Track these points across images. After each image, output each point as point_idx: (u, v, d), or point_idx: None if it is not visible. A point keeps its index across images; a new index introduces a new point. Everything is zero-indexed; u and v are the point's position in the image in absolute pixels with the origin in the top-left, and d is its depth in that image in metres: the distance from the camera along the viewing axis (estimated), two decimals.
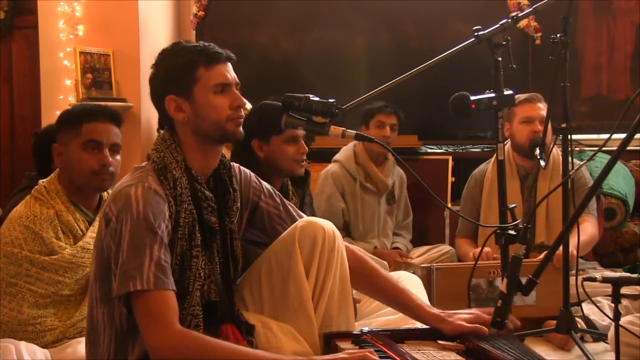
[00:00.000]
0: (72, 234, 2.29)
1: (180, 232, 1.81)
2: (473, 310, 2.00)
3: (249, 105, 3.40)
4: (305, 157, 2.68)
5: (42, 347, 2.17)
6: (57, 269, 2.22)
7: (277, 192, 2.13)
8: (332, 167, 3.86)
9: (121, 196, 1.77)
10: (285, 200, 2.13)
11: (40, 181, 2.36)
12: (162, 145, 1.88)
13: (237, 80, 1.93)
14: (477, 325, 1.92)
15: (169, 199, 1.80)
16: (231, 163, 2.02)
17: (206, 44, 1.91)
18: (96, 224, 2.31)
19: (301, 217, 2.11)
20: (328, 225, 1.98)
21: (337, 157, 3.91)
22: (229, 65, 1.91)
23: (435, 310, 2.04)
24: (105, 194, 2.40)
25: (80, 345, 2.11)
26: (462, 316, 1.96)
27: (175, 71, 1.87)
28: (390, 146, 3.72)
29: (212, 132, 1.88)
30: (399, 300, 2.09)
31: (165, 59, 1.90)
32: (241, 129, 1.92)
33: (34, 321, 2.19)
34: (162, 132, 1.94)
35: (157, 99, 1.90)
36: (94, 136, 2.28)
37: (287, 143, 2.64)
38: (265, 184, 2.11)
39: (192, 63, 1.86)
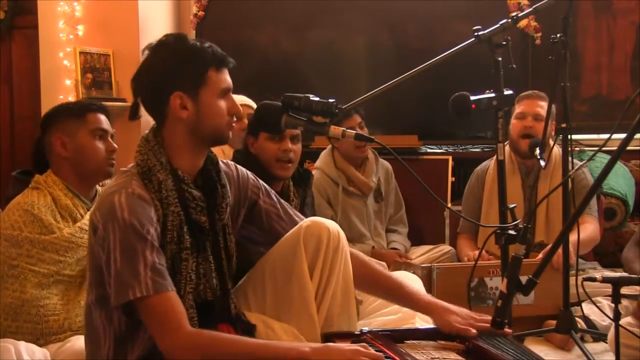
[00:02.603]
0: (72, 217, 2.33)
1: (169, 235, 1.79)
2: (469, 314, 1.99)
3: (243, 99, 3.39)
4: (289, 158, 2.61)
5: (46, 334, 2.19)
6: (57, 249, 2.25)
7: (273, 191, 2.13)
8: (314, 174, 3.80)
9: (105, 204, 1.75)
10: (281, 200, 2.13)
11: (37, 175, 2.39)
12: (146, 147, 1.85)
13: None
14: (466, 327, 1.91)
15: (155, 202, 1.78)
16: (231, 161, 2.02)
17: (210, 44, 1.86)
18: None
19: (298, 216, 2.11)
20: (333, 225, 1.98)
21: (317, 164, 3.84)
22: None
23: (431, 299, 2.06)
24: (98, 187, 2.46)
25: (79, 341, 2.12)
26: (456, 318, 1.96)
27: (185, 69, 1.83)
28: (364, 145, 3.68)
29: (210, 134, 1.86)
30: (392, 291, 2.10)
31: (174, 53, 1.84)
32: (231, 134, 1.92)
33: (37, 302, 2.21)
34: (145, 133, 1.90)
35: (158, 93, 1.84)
36: (100, 125, 2.41)
37: (270, 140, 2.61)
38: (263, 183, 2.11)
39: (204, 64, 1.83)
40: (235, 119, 1.91)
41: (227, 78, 1.88)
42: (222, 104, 1.86)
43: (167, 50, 1.86)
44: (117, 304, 1.71)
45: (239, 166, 2.08)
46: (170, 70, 1.83)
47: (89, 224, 1.82)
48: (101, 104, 2.53)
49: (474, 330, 1.90)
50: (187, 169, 1.87)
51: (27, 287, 2.22)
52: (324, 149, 3.98)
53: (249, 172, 2.09)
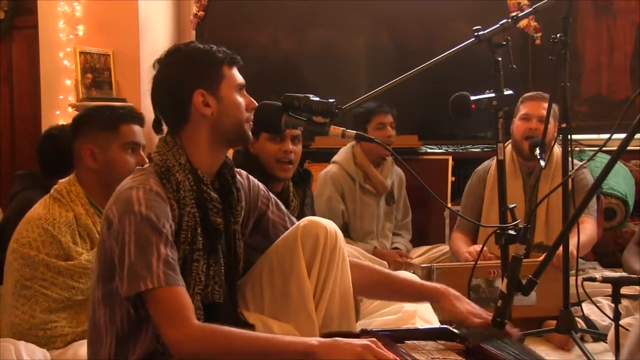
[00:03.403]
0: (90, 238, 2.29)
1: (183, 235, 1.80)
2: (475, 305, 2.00)
3: None
4: (290, 159, 2.62)
5: (52, 349, 2.17)
6: (72, 274, 2.22)
7: (279, 202, 2.14)
8: (331, 168, 3.84)
9: (122, 198, 1.76)
10: (288, 213, 2.14)
11: (60, 181, 2.36)
12: (165, 148, 1.86)
13: None
14: (471, 317, 1.93)
15: (172, 202, 1.79)
16: (235, 167, 2.02)
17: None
18: None
19: None
20: (330, 224, 1.98)
21: (336, 158, 3.89)
22: None
23: (436, 285, 2.08)
24: None
25: (82, 348, 2.10)
26: (465, 305, 1.97)
27: (203, 66, 1.86)
28: (392, 145, 3.71)
29: (232, 130, 1.88)
30: (394, 288, 2.10)
31: (188, 54, 1.89)
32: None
33: (45, 326, 2.19)
34: (163, 135, 1.92)
35: (180, 95, 1.86)
36: (133, 138, 2.34)
37: (271, 140, 2.62)
38: (272, 195, 2.12)
39: (219, 60, 1.87)
40: (252, 116, 1.93)
41: (239, 75, 1.92)
42: (240, 99, 1.90)
43: (181, 54, 1.90)
44: (128, 294, 1.71)
45: (250, 176, 2.09)
46: (189, 69, 1.87)
47: (103, 219, 1.82)
48: (136, 112, 2.44)
49: (477, 320, 1.91)
50: (205, 170, 1.88)
51: (37, 311, 2.20)
52: (324, 149, 3.99)
53: (259, 183, 2.10)
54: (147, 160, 2.36)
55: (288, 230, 2.01)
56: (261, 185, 2.10)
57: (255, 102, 1.94)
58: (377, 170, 3.83)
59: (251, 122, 1.93)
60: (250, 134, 1.93)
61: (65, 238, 2.23)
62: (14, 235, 2.28)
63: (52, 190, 2.33)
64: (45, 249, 2.21)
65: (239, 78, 1.91)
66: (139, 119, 2.39)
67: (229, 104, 1.87)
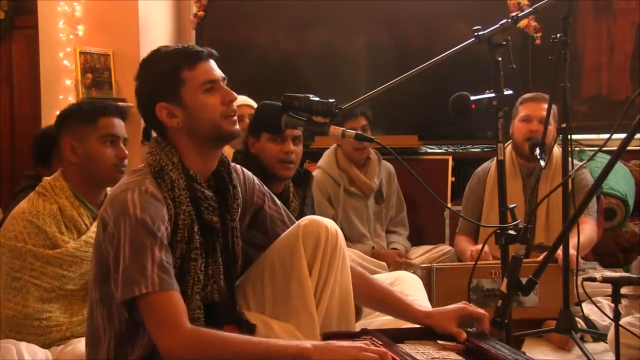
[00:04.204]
0: (76, 229, 2.30)
1: (180, 234, 1.80)
2: (460, 304, 1.99)
3: (245, 99, 3.40)
4: (291, 159, 2.63)
5: (49, 344, 2.18)
6: (61, 263, 2.23)
7: (276, 197, 2.14)
8: (315, 173, 3.77)
9: (118, 201, 1.75)
10: (284, 207, 2.14)
11: (45, 178, 2.37)
12: (157, 148, 1.86)
13: (223, 75, 1.90)
14: (460, 330, 1.92)
15: (168, 201, 1.79)
16: (231, 162, 2.02)
17: (185, 45, 1.90)
18: None
19: None
20: (331, 224, 1.98)
21: (319, 163, 3.86)
22: (212, 62, 1.89)
23: (424, 308, 2.06)
24: (108, 189, 2.41)
25: (80, 344, 2.11)
26: (448, 312, 1.96)
27: (160, 78, 1.84)
28: (365, 148, 3.69)
29: (208, 132, 1.86)
30: (386, 302, 2.09)
31: (148, 68, 1.88)
32: (237, 127, 1.91)
33: (40, 315, 2.19)
34: (155, 135, 1.92)
35: (147, 109, 1.88)
36: (111, 130, 2.34)
37: (272, 141, 2.62)
38: (267, 189, 2.12)
39: (175, 66, 1.84)
40: (234, 107, 1.89)
41: (207, 70, 1.86)
42: (209, 97, 1.85)
43: (144, 68, 1.89)
44: (123, 299, 1.71)
45: (245, 170, 2.08)
46: (146, 86, 1.87)
47: (98, 221, 1.82)
48: (117, 105, 2.46)
49: (464, 335, 1.90)
50: (199, 170, 1.88)
51: (29, 300, 2.20)
52: (324, 149, 3.98)
53: (254, 177, 2.10)
54: (126, 153, 2.37)
55: (289, 229, 2.01)
56: (256, 180, 2.10)
57: (233, 93, 1.89)
58: (362, 170, 3.79)
59: (234, 116, 1.89)
60: (234, 127, 1.89)
61: (50, 228, 2.24)
62: (1, 232, 2.29)
63: (37, 187, 2.35)
64: (32, 240, 2.22)
65: (203, 75, 1.86)
66: (119, 112, 2.38)
67: (196, 109, 1.84)
